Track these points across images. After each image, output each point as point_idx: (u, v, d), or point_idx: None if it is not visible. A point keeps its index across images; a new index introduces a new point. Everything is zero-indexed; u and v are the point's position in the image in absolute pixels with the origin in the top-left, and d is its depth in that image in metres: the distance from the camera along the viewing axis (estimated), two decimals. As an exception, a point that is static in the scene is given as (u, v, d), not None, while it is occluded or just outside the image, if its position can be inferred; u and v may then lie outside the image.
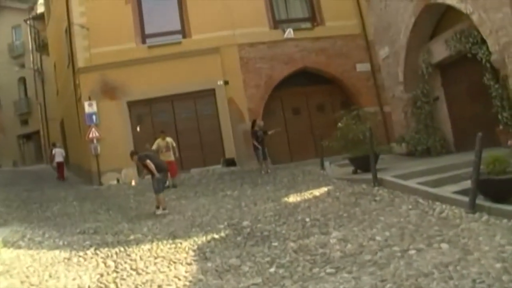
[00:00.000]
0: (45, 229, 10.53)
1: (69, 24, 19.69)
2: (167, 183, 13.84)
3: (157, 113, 19.33)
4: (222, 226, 8.71)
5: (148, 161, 11.39)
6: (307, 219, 8.28)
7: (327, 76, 20.84)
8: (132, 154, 12.36)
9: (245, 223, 8.65)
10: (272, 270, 6.00)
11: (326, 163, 15.17)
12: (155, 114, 19.30)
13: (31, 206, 14.67)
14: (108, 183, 17.85)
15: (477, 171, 7.47)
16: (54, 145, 25.70)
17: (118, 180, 18.08)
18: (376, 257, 6.01)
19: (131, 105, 18.99)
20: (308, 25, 21.19)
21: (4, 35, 38.41)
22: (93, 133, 18.43)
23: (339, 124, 13.06)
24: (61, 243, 8.84)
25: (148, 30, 19.77)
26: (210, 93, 19.31)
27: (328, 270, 5.74)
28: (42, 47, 31.06)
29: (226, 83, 19.26)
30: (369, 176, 10.96)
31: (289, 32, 20.21)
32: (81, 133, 19.86)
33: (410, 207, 8.15)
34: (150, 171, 11.50)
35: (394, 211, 8.05)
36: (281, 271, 5.92)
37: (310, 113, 20.93)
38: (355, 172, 12.39)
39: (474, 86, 13.55)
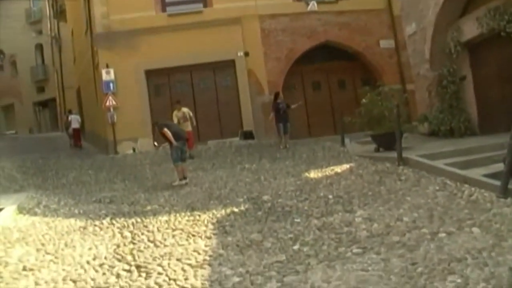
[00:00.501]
0: (60, 197, 10.41)
1: (88, -11, 19.37)
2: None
3: (175, 83, 19.12)
4: (241, 199, 8.47)
5: (165, 130, 11.18)
6: (330, 196, 8.01)
7: (349, 51, 20.43)
8: (153, 124, 12.32)
9: (266, 197, 8.39)
10: (296, 247, 5.74)
11: (346, 140, 14.85)
12: (173, 84, 19.09)
13: (47, 173, 14.61)
14: (124, 153, 17.72)
15: (512, 154, 7.09)
16: (70, 112, 25.76)
17: (134, 150, 17.93)
18: (404, 239, 5.72)
19: (149, 74, 18.76)
20: (332, -2, 20.66)
21: (22, 1, 37.99)
22: (110, 102, 18.23)
23: (363, 100, 12.67)
24: (76, 211, 8.68)
25: (168, -2, 19.40)
26: (229, 64, 19.02)
27: (355, 250, 5.47)
28: (60, 13, 30.68)
29: (246, 54, 18.92)
30: (392, 154, 10.64)
31: (313, 5, 19.73)
32: (98, 101, 19.70)
33: (437, 188, 7.83)
34: (168, 140, 11.25)
35: (421, 192, 7.74)
36: (305, 249, 5.66)
37: (330, 89, 20.60)
38: (377, 150, 12.06)
39: (506, 67, 13.05)
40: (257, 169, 11.81)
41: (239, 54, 18.85)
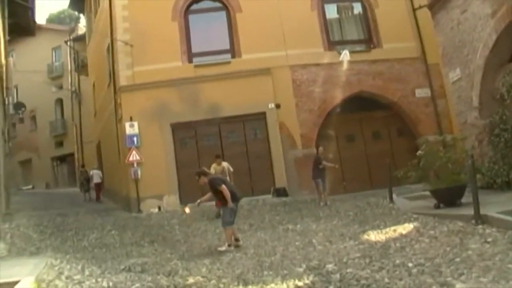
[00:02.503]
0: (83, 263, 9.08)
1: (112, 40, 18.73)
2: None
3: (203, 137, 18.15)
4: (301, 269, 7.08)
5: (223, 186, 9.55)
6: (410, 264, 6.62)
7: (384, 101, 19.44)
8: (200, 174, 10.04)
9: (330, 266, 7.00)
10: None
11: (393, 195, 13.56)
12: (200, 138, 18.10)
13: (66, 233, 13.36)
14: (149, 211, 16.54)
15: None
16: (82, 167, 26.27)
17: (159, 208, 16.71)
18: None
19: (175, 127, 17.83)
20: (364, 47, 19.85)
21: (44, 57, 38.23)
22: (134, 156, 17.25)
23: (420, 152, 11.42)
24: (105, 284, 7.29)
25: (195, 49, 18.73)
26: (260, 117, 18.06)
27: None
28: (81, 67, 30.67)
29: (277, 106, 17.95)
30: (460, 211, 9.36)
31: (345, 54, 18.82)
32: (120, 156, 18.67)
33: (543, 252, 6.45)
34: (223, 199, 9.64)
35: (524, 257, 6.36)
36: None
37: (365, 140, 19.48)
38: (437, 206, 10.70)
39: None
40: (304, 231, 10.47)
41: (270, 106, 17.91)
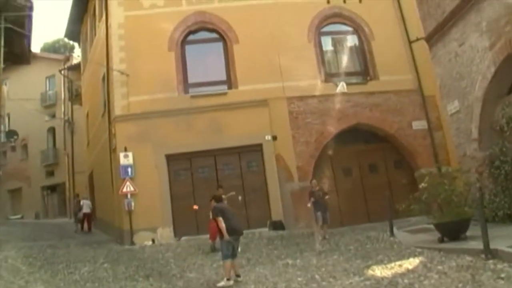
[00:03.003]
0: (76, 299, 8.72)
1: (108, 70, 18.58)
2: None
3: (198, 169, 17.85)
4: (307, 307, 6.81)
5: (219, 219, 9.38)
6: (422, 302, 6.37)
7: (381, 133, 19.28)
8: (213, 198, 10.14)
9: (338, 304, 6.74)
10: None
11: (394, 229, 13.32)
12: (195, 170, 17.78)
13: (56, 266, 12.91)
14: (142, 244, 16.12)
15: None
16: (77, 196, 25.98)
17: (153, 241, 16.32)
18: None
19: (170, 158, 17.50)
20: (361, 79, 19.81)
21: (38, 85, 38.06)
22: (128, 187, 16.88)
23: (423, 184, 11.22)
24: (99, 321, 6.97)
25: (191, 79, 18.58)
26: (256, 149, 17.80)
27: None
28: (75, 96, 30.57)
29: (274, 138, 17.72)
30: (467, 245, 9.14)
31: (342, 86, 18.72)
32: (114, 186, 18.31)
33: (562, 289, 6.19)
34: (219, 230, 9.50)
35: (544, 295, 6.09)
36: None
37: (361, 173, 19.20)
38: (441, 240, 10.45)
39: None
40: (305, 266, 10.14)
41: (266, 138, 17.68)
